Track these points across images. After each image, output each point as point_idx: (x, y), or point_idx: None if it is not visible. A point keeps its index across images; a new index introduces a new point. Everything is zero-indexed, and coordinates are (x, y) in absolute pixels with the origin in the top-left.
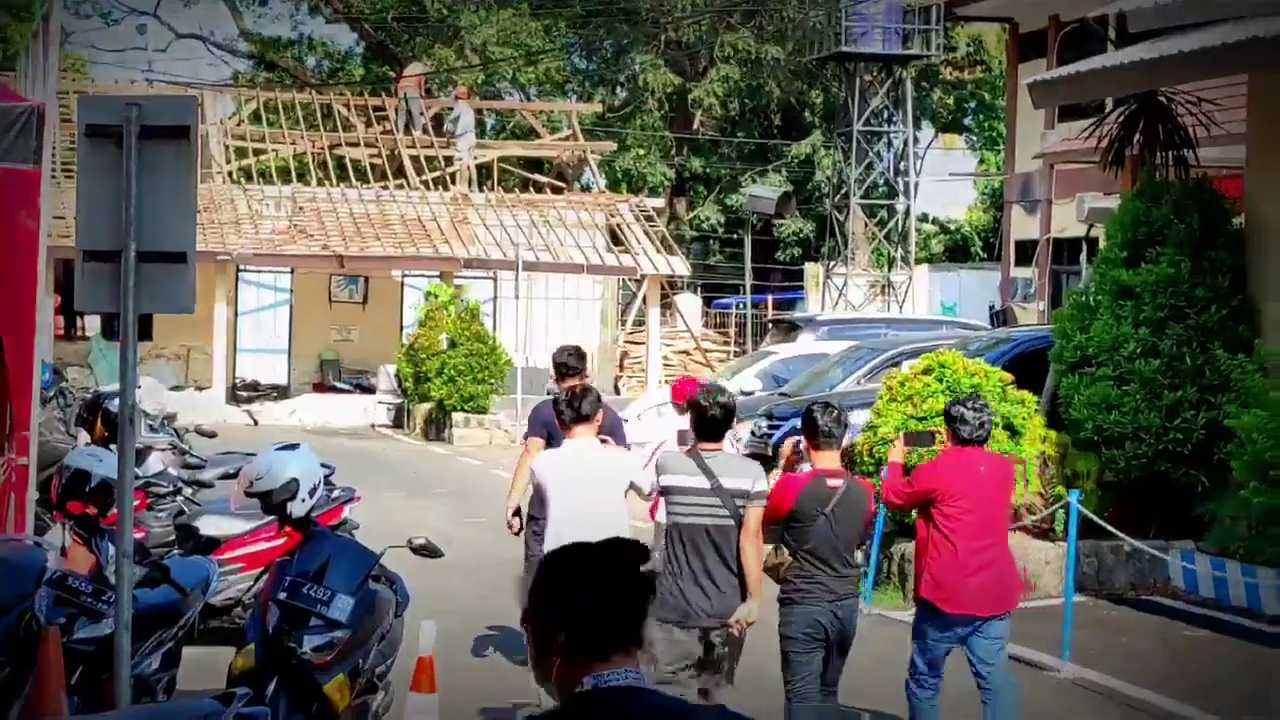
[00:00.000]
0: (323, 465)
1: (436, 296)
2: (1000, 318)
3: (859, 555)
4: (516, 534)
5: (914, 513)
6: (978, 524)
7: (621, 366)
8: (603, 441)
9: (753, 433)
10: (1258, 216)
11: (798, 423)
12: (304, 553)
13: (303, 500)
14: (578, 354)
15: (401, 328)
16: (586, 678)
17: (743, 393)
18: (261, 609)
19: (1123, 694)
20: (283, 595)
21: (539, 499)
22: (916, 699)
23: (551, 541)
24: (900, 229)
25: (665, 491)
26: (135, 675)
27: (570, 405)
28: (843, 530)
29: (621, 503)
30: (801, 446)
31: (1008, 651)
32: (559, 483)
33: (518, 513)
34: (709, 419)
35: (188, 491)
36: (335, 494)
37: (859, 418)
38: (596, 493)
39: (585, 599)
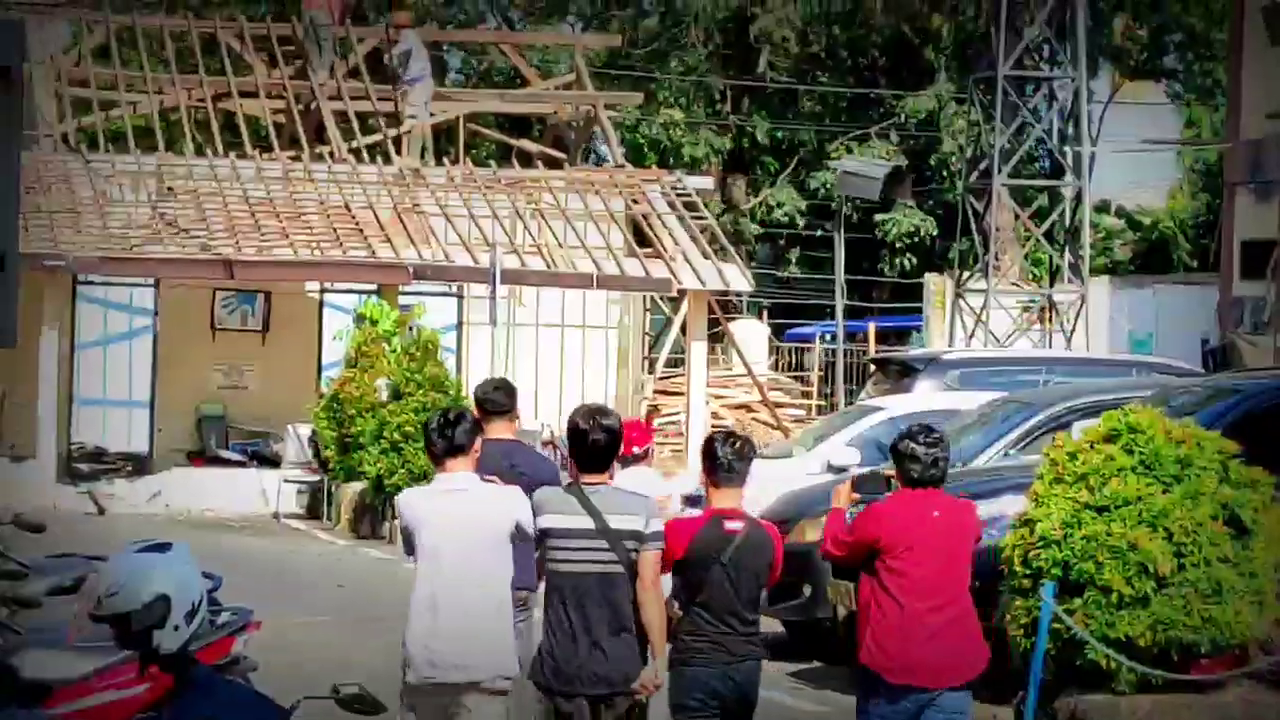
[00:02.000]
0: (204, 576)
1: (373, 322)
2: (1219, 356)
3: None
4: None
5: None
6: (930, 580)
7: (649, 426)
8: (489, 480)
9: None
10: None
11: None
12: (177, 706)
13: (175, 628)
14: (506, 389)
15: (319, 369)
16: None
17: (832, 468)
18: None
19: None
20: None
21: (406, 541)
22: None
23: (421, 589)
24: (1069, 224)
25: (543, 535)
26: None
27: (442, 434)
28: (743, 582)
29: (502, 550)
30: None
31: None
32: (425, 525)
33: None
34: (594, 446)
35: (2, 613)
36: (223, 619)
37: (1010, 506)
38: (469, 536)
39: None
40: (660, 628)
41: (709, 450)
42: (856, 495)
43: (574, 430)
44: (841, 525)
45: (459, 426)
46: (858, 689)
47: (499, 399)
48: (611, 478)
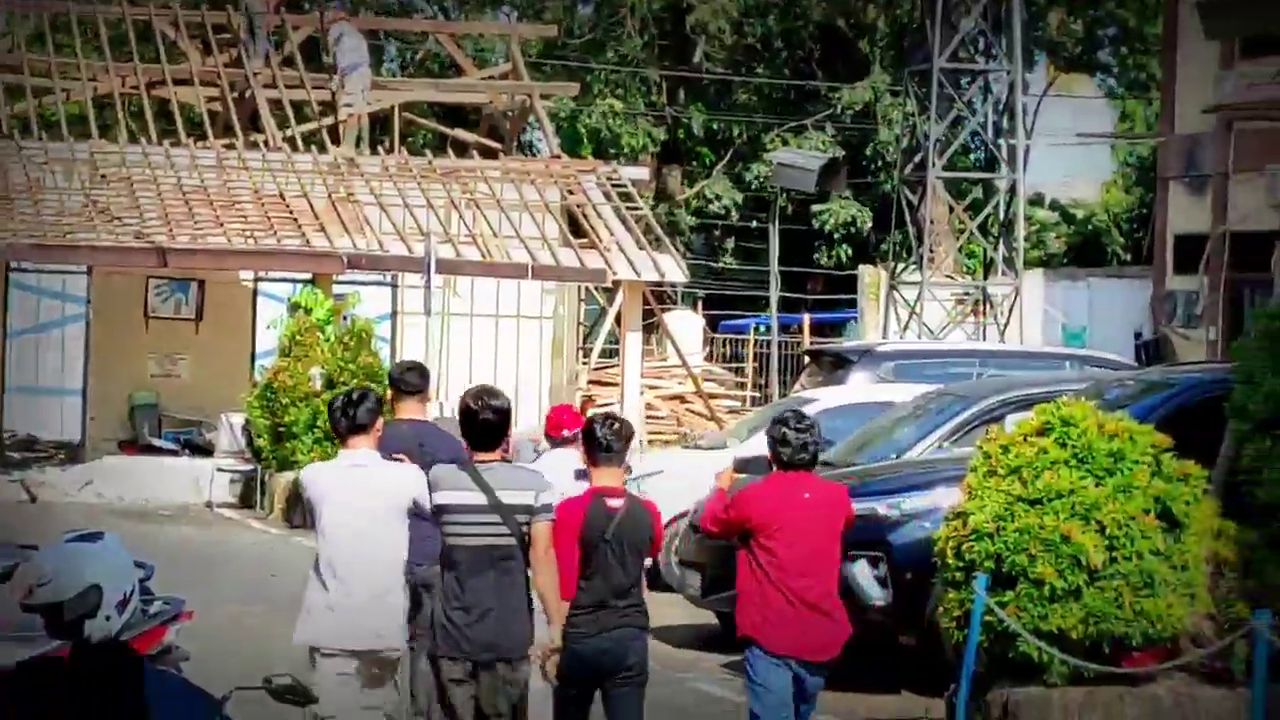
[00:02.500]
0: (136, 565)
1: (307, 311)
2: (1151, 350)
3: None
4: None
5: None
6: (801, 559)
7: (583, 412)
8: (396, 459)
9: None
10: None
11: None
12: (106, 699)
13: (108, 618)
14: (419, 370)
15: (253, 358)
16: None
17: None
18: None
19: None
20: None
21: (309, 514)
22: None
23: (321, 560)
24: (1003, 217)
25: (439, 511)
26: None
27: (345, 413)
28: (626, 556)
29: (398, 524)
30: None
31: None
32: (327, 498)
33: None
34: (484, 425)
35: None
36: (155, 608)
37: (944, 498)
38: (368, 510)
39: None
40: (553, 596)
41: (589, 432)
42: (740, 476)
43: (464, 410)
44: (722, 505)
45: (361, 406)
46: (746, 663)
47: (412, 379)
48: (539, 454)
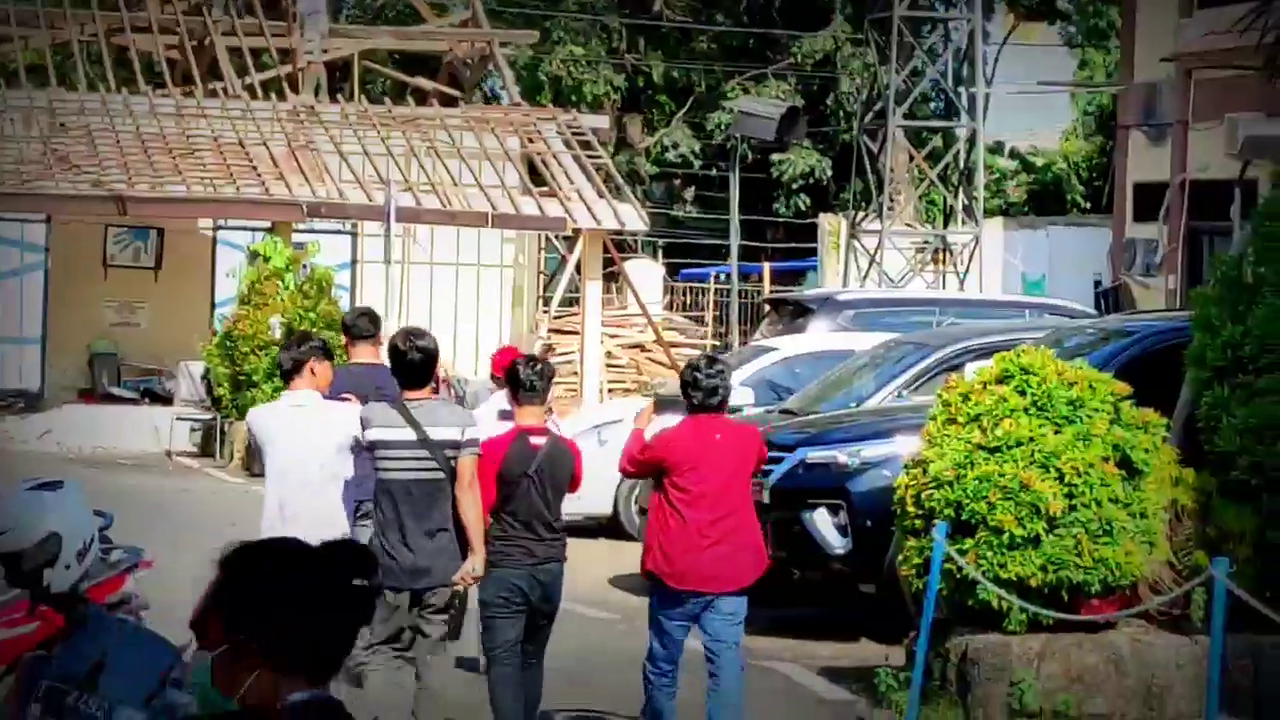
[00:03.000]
0: (96, 514)
1: (266, 260)
2: (1110, 298)
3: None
4: None
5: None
6: (712, 496)
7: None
8: (344, 399)
9: None
10: None
11: (810, 455)
12: (68, 645)
13: (67, 567)
14: (370, 315)
15: (213, 307)
16: (288, 695)
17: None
18: None
19: None
20: (36, 710)
21: (257, 453)
22: (653, 688)
23: (270, 500)
24: (963, 165)
25: (371, 446)
26: None
27: (288, 355)
28: (548, 491)
29: (338, 457)
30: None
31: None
32: (275, 437)
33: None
34: (410, 364)
35: None
36: (114, 557)
37: (903, 447)
38: (313, 448)
39: (299, 616)
40: (477, 526)
41: (513, 373)
42: (657, 417)
43: (393, 350)
44: (639, 446)
45: (302, 348)
46: (650, 596)
47: (364, 325)
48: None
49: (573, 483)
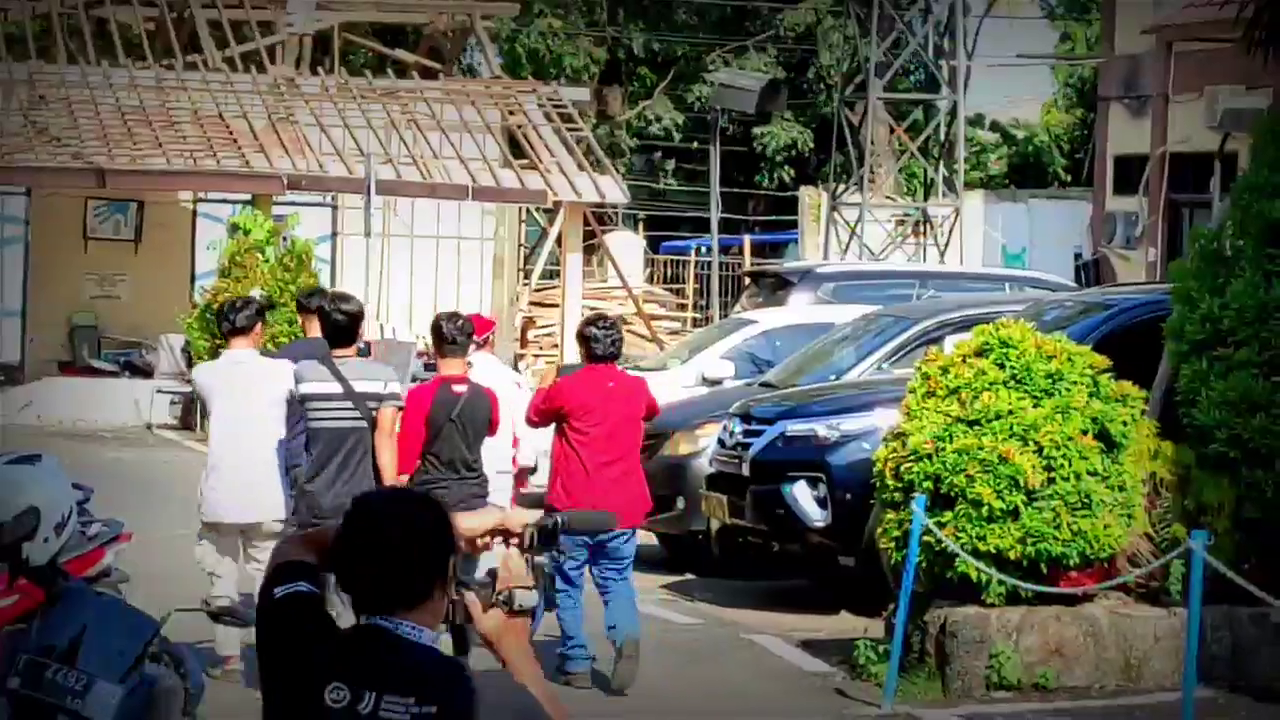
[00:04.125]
0: (75, 487)
1: (246, 232)
2: (1091, 271)
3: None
4: None
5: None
6: (605, 438)
7: (524, 339)
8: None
9: (721, 441)
10: None
11: (789, 428)
12: (47, 619)
13: (45, 540)
14: (322, 293)
15: (193, 279)
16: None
17: (706, 381)
18: None
19: None
20: (14, 683)
21: (201, 408)
22: (558, 609)
23: (214, 443)
24: (943, 138)
25: (304, 400)
26: None
27: (226, 318)
28: (469, 433)
29: (274, 410)
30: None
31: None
32: (217, 392)
33: None
34: (335, 324)
35: None
36: (93, 530)
37: (883, 419)
38: (251, 401)
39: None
40: (393, 468)
41: (436, 328)
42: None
43: (320, 312)
44: (542, 396)
45: (242, 311)
46: None
47: (317, 301)
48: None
49: (490, 426)
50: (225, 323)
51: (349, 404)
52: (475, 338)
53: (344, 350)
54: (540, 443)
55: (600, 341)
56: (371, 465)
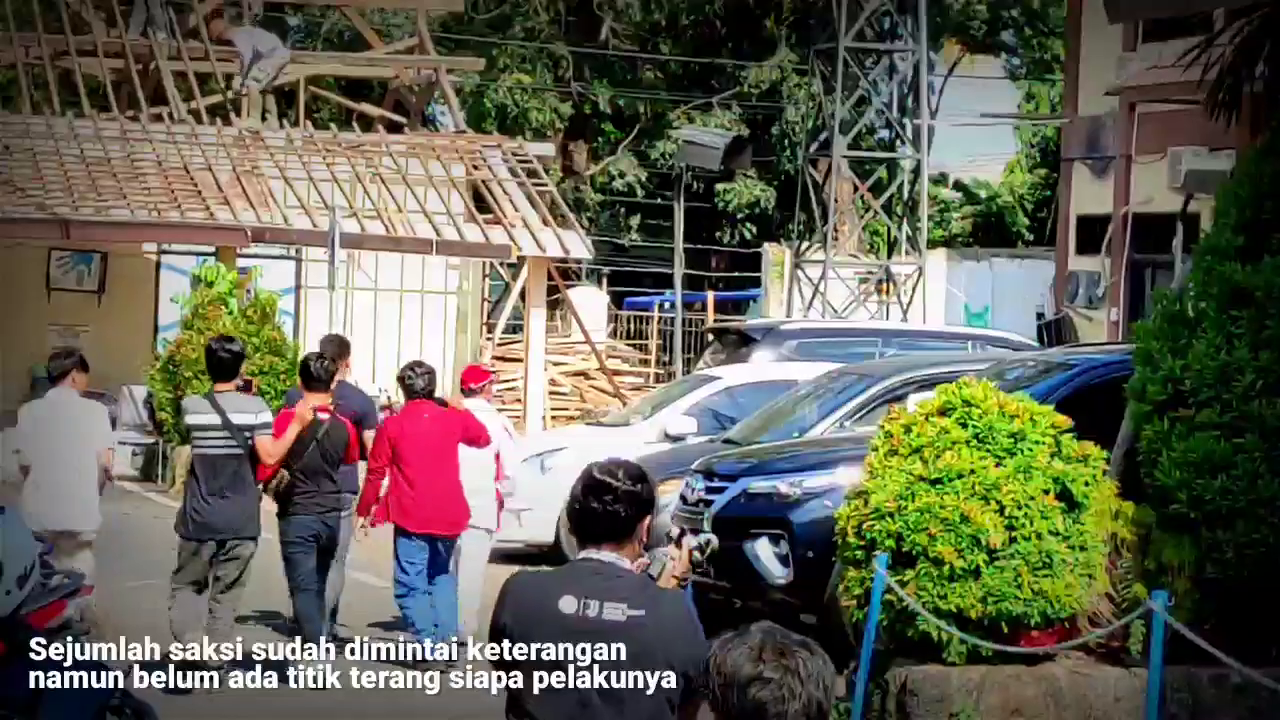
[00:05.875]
0: (36, 539)
1: (210, 284)
2: (1053, 331)
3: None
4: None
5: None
6: (423, 460)
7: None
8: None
9: (683, 498)
10: None
11: (752, 485)
12: (8, 671)
13: (8, 592)
14: (335, 342)
15: (156, 330)
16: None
17: (669, 437)
18: None
19: None
20: None
21: (24, 442)
22: (407, 608)
23: (32, 476)
24: (907, 196)
25: (190, 430)
26: None
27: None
28: (329, 453)
29: (87, 444)
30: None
31: None
32: (36, 428)
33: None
34: (218, 361)
35: None
36: (54, 582)
37: (845, 477)
38: (67, 437)
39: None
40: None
41: (304, 366)
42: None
43: (208, 350)
44: (375, 439)
45: (68, 359)
46: (394, 540)
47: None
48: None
49: (348, 449)
50: (55, 367)
51: (226, 434)
52: (472, 385)
53: (225, 385)
54: (520, 474)
55: (415, 381)
56: (250, 484)
